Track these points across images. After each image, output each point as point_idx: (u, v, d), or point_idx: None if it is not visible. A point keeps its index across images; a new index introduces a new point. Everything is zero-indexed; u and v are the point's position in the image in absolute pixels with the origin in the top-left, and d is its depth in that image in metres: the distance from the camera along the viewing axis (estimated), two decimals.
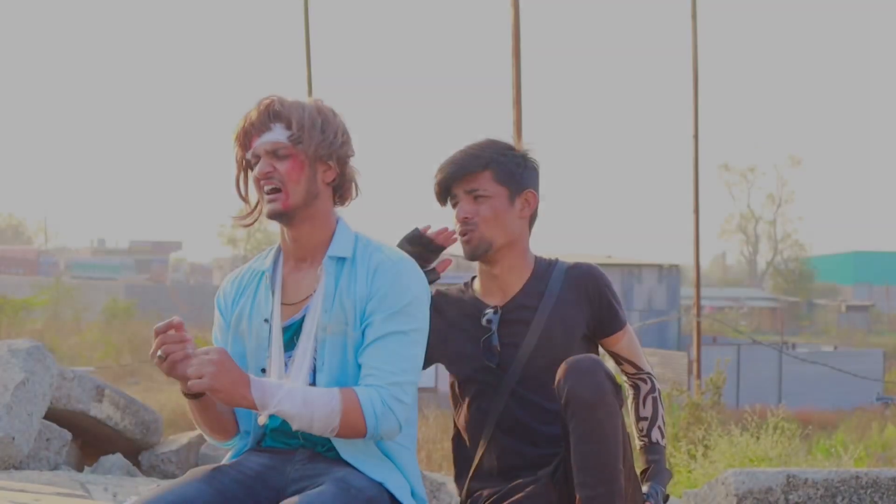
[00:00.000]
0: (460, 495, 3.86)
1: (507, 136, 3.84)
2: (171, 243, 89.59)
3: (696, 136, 14.71)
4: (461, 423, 3.84)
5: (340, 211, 3.44)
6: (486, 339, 3.67)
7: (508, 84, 11.69)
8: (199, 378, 3.07)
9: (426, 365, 3.66)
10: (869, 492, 5.43)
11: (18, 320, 35.38)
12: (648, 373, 3.87)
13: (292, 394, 3.15)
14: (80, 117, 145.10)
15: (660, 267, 41.36)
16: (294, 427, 3.19)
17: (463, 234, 3.72)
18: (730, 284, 79.69)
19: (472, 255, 3.74)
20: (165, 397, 25.80)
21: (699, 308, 15.54)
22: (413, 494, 3.36)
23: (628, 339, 3.83)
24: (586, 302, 3.74)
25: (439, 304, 3.81)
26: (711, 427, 12.32)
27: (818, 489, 5.47)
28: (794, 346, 41.82)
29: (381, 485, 3.26)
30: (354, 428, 3.17)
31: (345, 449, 3.27)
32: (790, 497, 5.48)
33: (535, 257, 3.84)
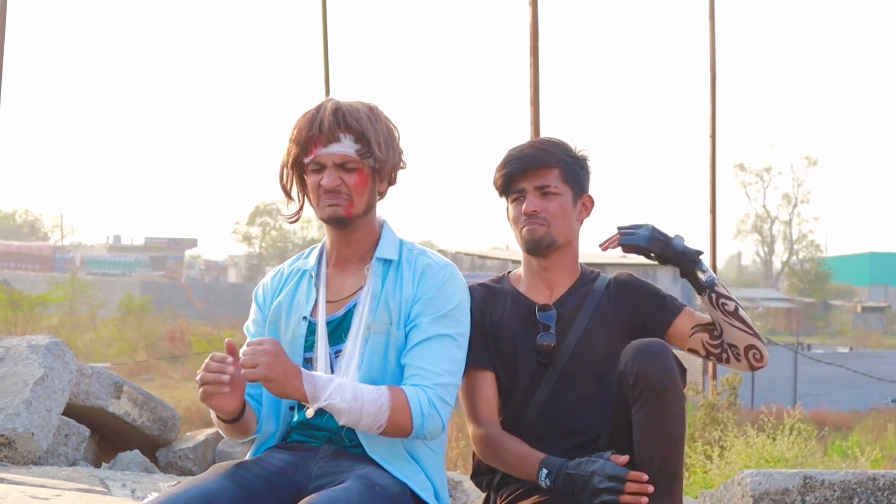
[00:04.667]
0: (483, 486, 3.86)
1: (567, 138, 3.82)
2: (186, 240, 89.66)
3: (713, 136, 14.66)
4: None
5: (384, 215, 3.51)
6: (541, 337, 3.67)
7: (526, 83, 11.68)
8: (253, 367, 3.10)
9: (486, 369, 3.70)
10: (886, 494, 5.41)
11: (34, 316, 35.49)
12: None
13: (342, 388, 3.19)
14: (96, 114, 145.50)
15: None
16: (341, 422, 3.22)
17: (529, 225, 3.69)
18: (745, 285, 79.51)
19: (533, 248, 3.72)
20: (181, 394, 25.90)
21: None
22: (437, 497, 3.38)
23: (694, 315, 3.74)
24: (626, 308, 3.75)
25: (487, 298, 3.79)
26: (727, 428, 12.29)
27: (835, 491, 5.46)
28: (809, 346, 41.72)
29: (404, 484, 3.28)
30: (401, 426, 3.21)
31: (371, 447, 3.30)
32: (807, 498, 5.47)
33: (581, 265, 3.86)
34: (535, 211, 3.68)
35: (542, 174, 3.69)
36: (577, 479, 3.40)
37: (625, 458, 3.39)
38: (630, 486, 3.35)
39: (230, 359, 3.16)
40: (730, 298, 3.68)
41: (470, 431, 3.74)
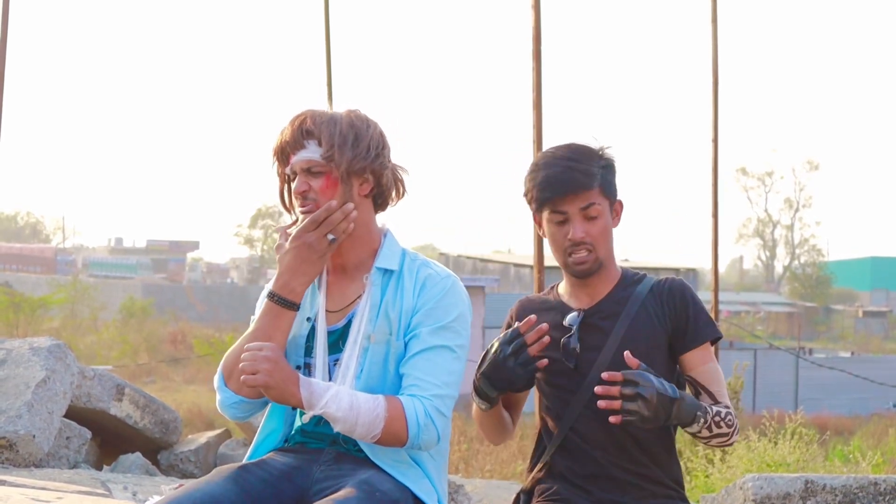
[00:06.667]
0: (526, 482, 3.83)
1: (593, 142, 3.70)
2: (188, 243, 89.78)
3: (715, 141, 14.63)
4: (540, 418, 3.82)
5: (388, 224, 3.50)
6: (565, 340, 3.64)
7: (529, 86, 11.68)
8: (254, 374, 3.12)
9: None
10: (888, 498, 5.42)
11: (36, 318, 35.49)
12: (727, 406, 3.56)
13: (339, 396, 3.19)
14: (99, 117, 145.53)
15: (677, 271, 41.29)
16: (336, 429, 3.23)
17: (576, 254, 3.62)
18: (747, 289, 79.49)
19: (583, 276, 3.67)
20: (182, 396, 25.88)
21: (717, 312, 15.49)
22: (439, 503, 3.37)
23: (711, 366, 3.62)
24: (670, 313, 3.67)
25: (523, 313, 3.77)
26: None
27: (836, 495, 5.46)
28: (810, 351, 41.72)
29: (406, 489, 3.28)
30: (396, 436, 3.21)
31: (374, 451, 3.30)
32: (808, 503, 5.48)
33: (622, 268, 3.80)
34: (582, 238, 3.61)
35: (585, 196, 3.59)
36: (491, 365, 3.47)
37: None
38: (530, 337, 3.43)
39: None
40: (720, 421, 3.49)
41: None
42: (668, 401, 3.31)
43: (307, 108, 3.40)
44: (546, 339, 3.45)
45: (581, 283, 3.73)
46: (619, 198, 3.74)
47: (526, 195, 3.69)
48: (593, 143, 3.70)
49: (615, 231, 3.75)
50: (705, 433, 3.45)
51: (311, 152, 3.32)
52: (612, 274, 3.75)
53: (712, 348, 3.68)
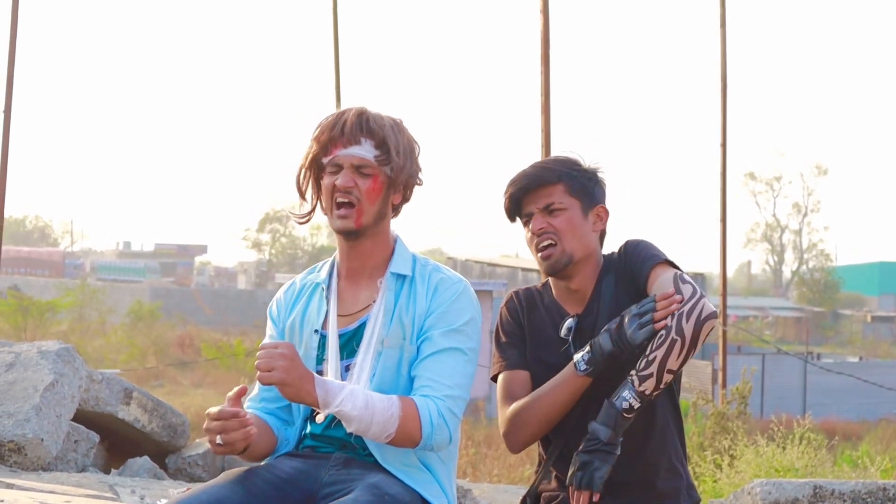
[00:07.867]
0: (531, 487, 3.83)
1: (575, 154, 3.75)
2: (196, 247, 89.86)
3: (723, 145, 14.61)
4: None
5: (398, 230, 3.52)
6: (564, 349, 3.63)
7: (537, 91, 11.68)
8: (269, 371, 3.11)
9: (515, 369, 3.68)
10: None
11: (44, 322, 35.54)
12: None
13: (354, 395, 3.19)
14: (107, 121, 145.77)
15: None
16: (350, 429, 3.23)
17: (542, 248, 3.65)
18: (755, 294, 79.43)
19: (552, 271, 3.67)
20: (190, 400, 25.89)
21: (725, 317, 15.46)
22: None
23: (662, 277, 3.54)
24: (626, 272, 3.66)
25: (523, 304, 3.79)
26: (737, 437, 12.27)
27: (845, 501, 5.46)
28: (819, 356, 41.65)
29: (416, 493, 3.28)
30: (409, 436, 3.21)
31: (383, 456, 3.30)
32: None
33: (602, 257, 3.77)
34: (541, 229, 3.63)
35: (546, 192, 3.64)
36: (613, 333, 3.45)
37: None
38: (661, 304, 3.40)
39: (240, 413, 3.18)
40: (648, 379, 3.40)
41: (501, 428, 3.67)
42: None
43: (361, 104, 3.39)
44: (664, 322, 3.40)
45: (568, 290, 3.73)
46: (603, 205, 3.73)
47: (503, 208, 3.74)
48: (576, 157, 3.73)
49: (607, 237, 3.77)
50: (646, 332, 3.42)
51: (367, 151, 3.32)
52: (594, 271, 3.73)
53: (661, 268, 3.58)
